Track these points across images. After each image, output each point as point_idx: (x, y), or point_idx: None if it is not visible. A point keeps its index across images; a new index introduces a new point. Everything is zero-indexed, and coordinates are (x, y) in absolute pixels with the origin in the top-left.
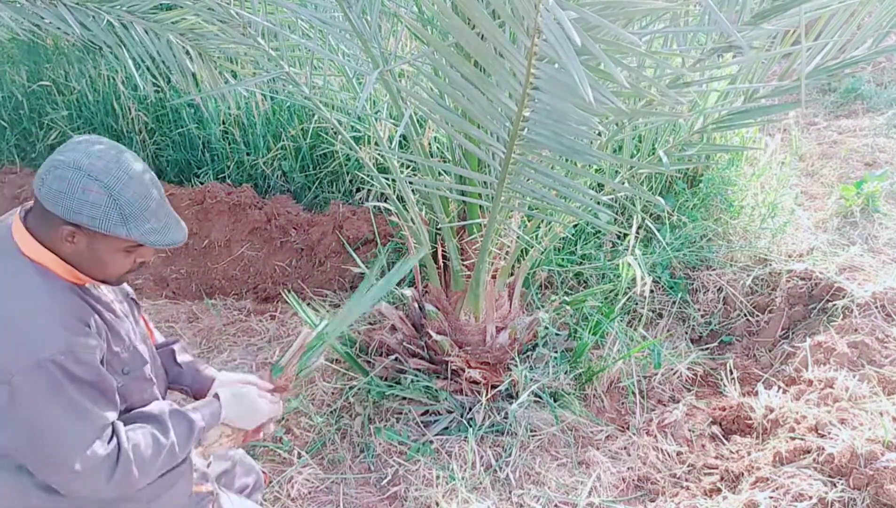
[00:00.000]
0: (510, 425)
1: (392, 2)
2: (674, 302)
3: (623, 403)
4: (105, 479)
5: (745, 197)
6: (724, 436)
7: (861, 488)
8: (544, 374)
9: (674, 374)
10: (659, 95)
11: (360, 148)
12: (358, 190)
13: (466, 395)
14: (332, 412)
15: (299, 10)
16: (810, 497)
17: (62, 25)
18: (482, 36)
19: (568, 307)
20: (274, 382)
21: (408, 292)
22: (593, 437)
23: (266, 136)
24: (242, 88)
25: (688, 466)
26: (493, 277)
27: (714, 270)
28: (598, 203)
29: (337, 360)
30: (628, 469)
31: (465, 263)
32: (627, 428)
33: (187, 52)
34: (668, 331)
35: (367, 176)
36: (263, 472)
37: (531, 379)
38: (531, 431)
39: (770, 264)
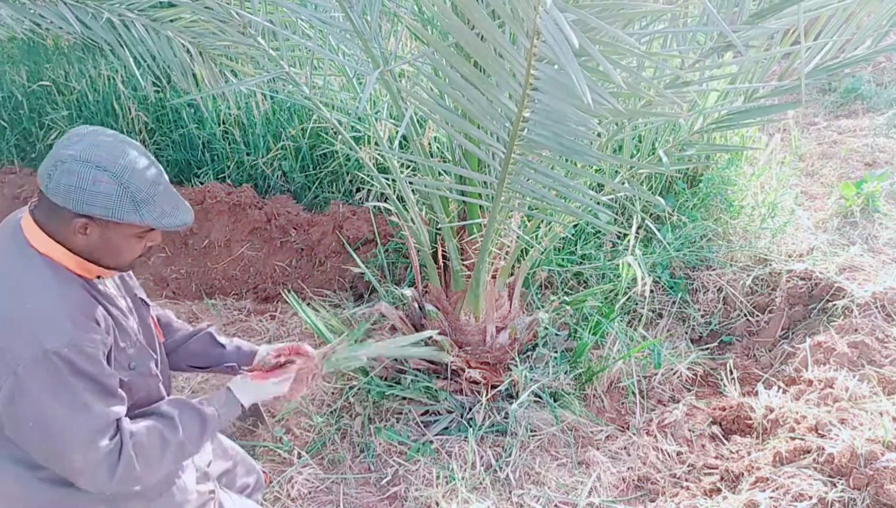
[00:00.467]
0: (510, 425)
1: (392, 2)
2: (674, 302)
3: (623, 403)
4: (108, 475)
5: (745, 197)
6: (724, 436)
7: (861, 488)
8: (544, 374)
9: (674, 374)
10: (657, 95)
11: (360, 148)
12: (358, 190)
13: (466, 395)
14: (332, 412)
15: (299, 10)
16: (810, 497)
17: (62, 24)
18: (482, 37)
19: (568, 307)
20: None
21: (408, 292)
22: (593, 437)
23: (266, 136)
24: (243, 87)
25: (688, 466)
26: (493, 277)
27: (714, 270)
28: (598, 203)
29: None
30: (628, 469)
31: (465, 263)
32: (627, 428)
33: (188, 51)
34: (668, 331)
35: (367, 176)
36: (264, 472)
37: (531, 379)
38: (531, 431)
39: (770, 264)
